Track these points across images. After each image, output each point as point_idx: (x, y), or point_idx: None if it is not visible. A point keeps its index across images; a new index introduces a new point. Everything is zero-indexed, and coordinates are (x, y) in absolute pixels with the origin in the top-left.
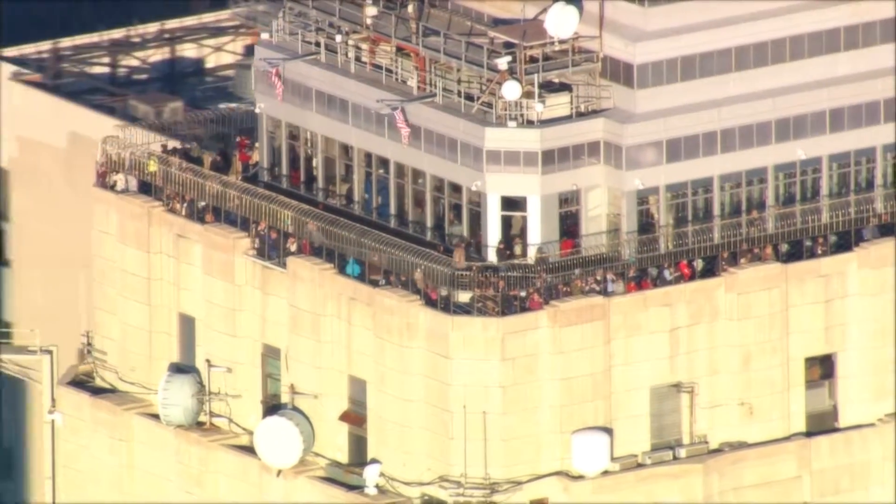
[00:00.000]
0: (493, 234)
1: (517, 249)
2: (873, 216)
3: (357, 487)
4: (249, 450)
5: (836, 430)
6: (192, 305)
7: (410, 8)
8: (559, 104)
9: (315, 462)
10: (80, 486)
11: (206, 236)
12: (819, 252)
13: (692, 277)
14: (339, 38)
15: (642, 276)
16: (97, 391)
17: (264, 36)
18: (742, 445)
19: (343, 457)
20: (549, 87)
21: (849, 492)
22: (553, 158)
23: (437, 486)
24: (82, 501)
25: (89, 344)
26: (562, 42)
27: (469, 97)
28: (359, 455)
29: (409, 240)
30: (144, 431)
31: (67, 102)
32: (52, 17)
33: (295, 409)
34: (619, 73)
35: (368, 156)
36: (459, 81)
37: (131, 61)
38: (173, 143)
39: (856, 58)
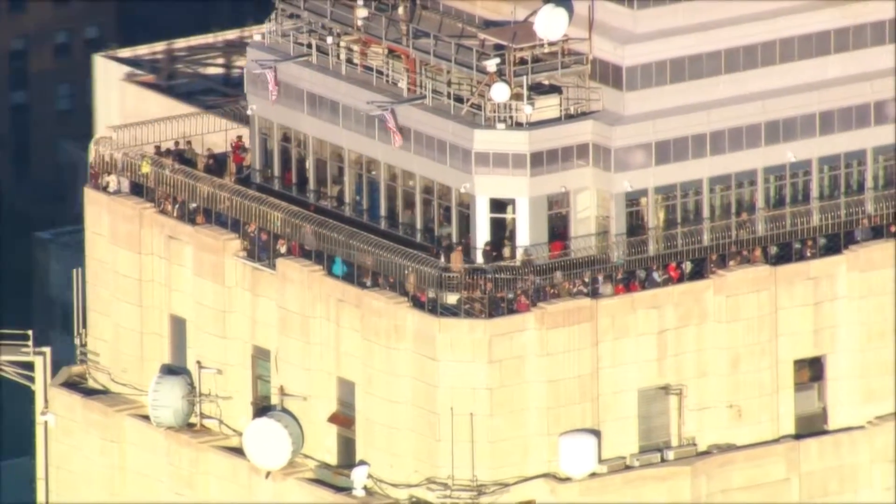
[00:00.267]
0: (481, 236)
1: (506, 251)
2: (863, 217)
3: (345, 489)
4: (240, 451)
5: (825, 432)
6: (183, 307)
7: (401, 10)
8: (549, 106)
9: (304, 464)
10: (73, 486)
11: (197, 238)
12: (808, 255)
13: (681, 280)
14: (330, 39)
15: (631, 279)
16: (90, 392)
17: (256, 37)
18: (730, 448)
19: (332, 458)
20: (538, 90)
21: (837, 494)
22: (542, 160)
23: (425, 487)
24: (74, 502)
25: (82, 345)
26: (551, 44)
27: (459, 99)
28: (347, 457)
29: (400, 242)
30: (136, 433)
31: (180, 103)
32: (166, 18)
33: (284, 410)
34: (609, 75)
35: (359, 158)
36: (449, 83)
37: (244, 62)
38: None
39: (846, 60)
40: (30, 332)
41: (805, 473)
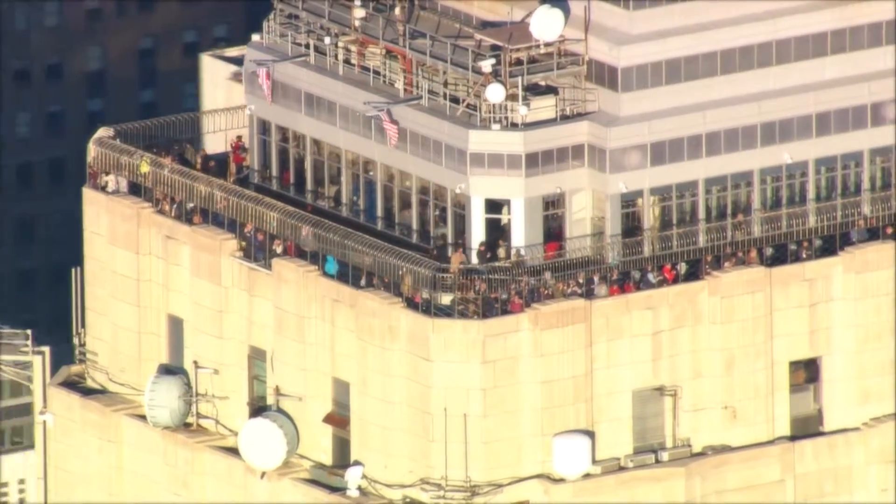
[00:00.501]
0: (477, 236)
1: (501, 252)
2: (859, 217)
3: (340, 489)
4: (235, 451)
5: (821, 433)
6: (180, 307)
7: (398, 10)
8: (545, 107)
9: (299, 464)
10: (71, 486)
11: (194, 238)
12: (804, 256)
13: (676, 281)
14: (327, 40)
15: (625, 280)
16: (88, 392)
17: (255, 37)
18: (725, 449)
19: (327, 459)
20: (535, 90)
21: (832, 496)
22: (537, 161)
23: (419, 488)
24: (72, 502)
25: (81, 345)
26: (547, 45)
27: (455, 100)
28: (342, 457)
29: (396, 242)
30: (133, 432)
31: None
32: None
33: (280, 410)
34: (604, 76)
35: (356, 158)
36: (446, 84)
37: None
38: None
39: (843, 61)
40: (29, 332)
41: (800, 475)
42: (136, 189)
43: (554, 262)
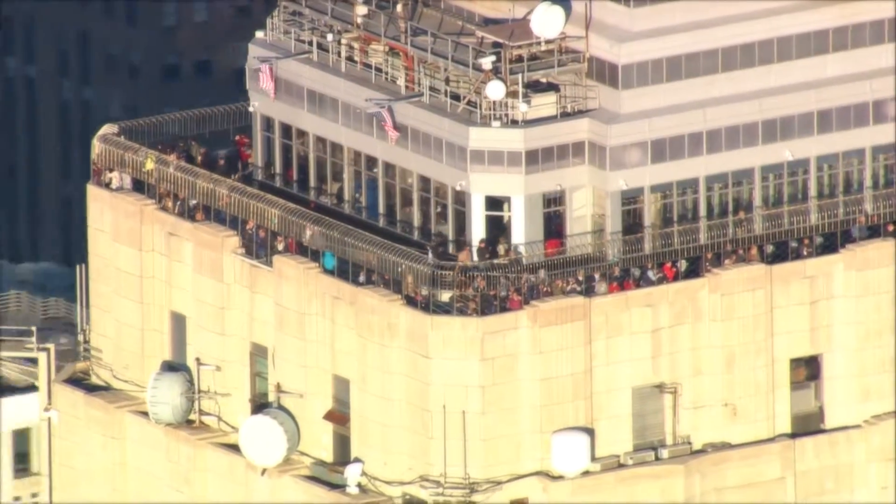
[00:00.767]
0: (477, 233)
1: (501, 249)
2: (860, 215)
3: (340, 486)
4: (237, 448)
5: (821, 431)
6: (183, 303)
7: (400, 7)
8: (546, 104)
9: (300, 461)
10: (76, 483)
11: (196, 234)
12: (805, 253)
13: (676, 278)
14: (330, 37)
15: (625, 277)
16: (92, 389)
17: (259, 34)
18: (725, 446)
19: (328, 456)
20: (535, 87)
21: (833, 493)
22: (537, 158)
23: (418, 485)
24: (77, 499)
25: (86, 342)
26: (548, 42)
27: (455, 97)
28: (343, 454)
29: (398, 239)
30: (136, 429)
31: None
32: None
33: (281, 407)
34: (605, 73)
35: (358, 155)
36: (447, 81)
37: None
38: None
39: (845, 59)
40: (33, 329)
41: (801, 472)
42: (139, 186)
43: (553, 259)
